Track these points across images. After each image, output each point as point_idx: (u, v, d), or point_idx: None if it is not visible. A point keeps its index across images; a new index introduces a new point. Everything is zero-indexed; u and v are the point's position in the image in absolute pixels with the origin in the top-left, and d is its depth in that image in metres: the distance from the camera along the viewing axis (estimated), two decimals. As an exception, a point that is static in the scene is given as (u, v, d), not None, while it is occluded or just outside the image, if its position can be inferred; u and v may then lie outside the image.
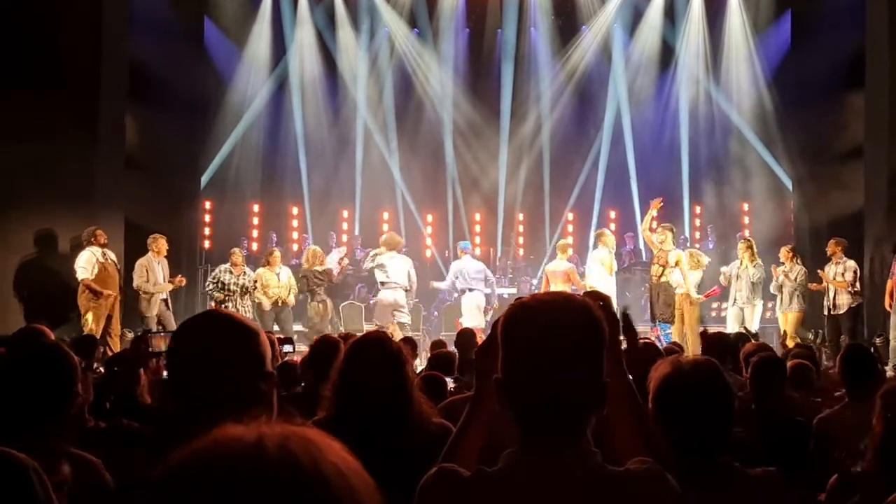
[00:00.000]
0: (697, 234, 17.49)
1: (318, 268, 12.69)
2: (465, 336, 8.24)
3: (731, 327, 12.12)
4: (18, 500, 2.20)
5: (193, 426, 1.85)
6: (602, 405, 1.71)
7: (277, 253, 13.07)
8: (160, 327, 11.56)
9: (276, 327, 12.31)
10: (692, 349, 11.71)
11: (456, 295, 13.31)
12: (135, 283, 11.58)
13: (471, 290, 12.86)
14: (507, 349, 1.71)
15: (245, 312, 12.11)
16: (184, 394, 1.95)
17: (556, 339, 1.65)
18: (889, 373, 9.05)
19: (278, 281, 12.54)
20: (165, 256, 11.93)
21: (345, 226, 17.81)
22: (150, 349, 4.94)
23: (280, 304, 12.57)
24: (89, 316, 10.88)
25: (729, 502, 2.24)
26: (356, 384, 2.90)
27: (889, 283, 11.11)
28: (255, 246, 16.80)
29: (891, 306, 11.00)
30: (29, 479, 2.23)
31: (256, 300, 12.50)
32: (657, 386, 2.33)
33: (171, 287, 11.99)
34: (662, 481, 1.70)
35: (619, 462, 1.79)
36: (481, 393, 1.93)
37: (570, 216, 18.19)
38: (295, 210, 17.33)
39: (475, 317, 12.62)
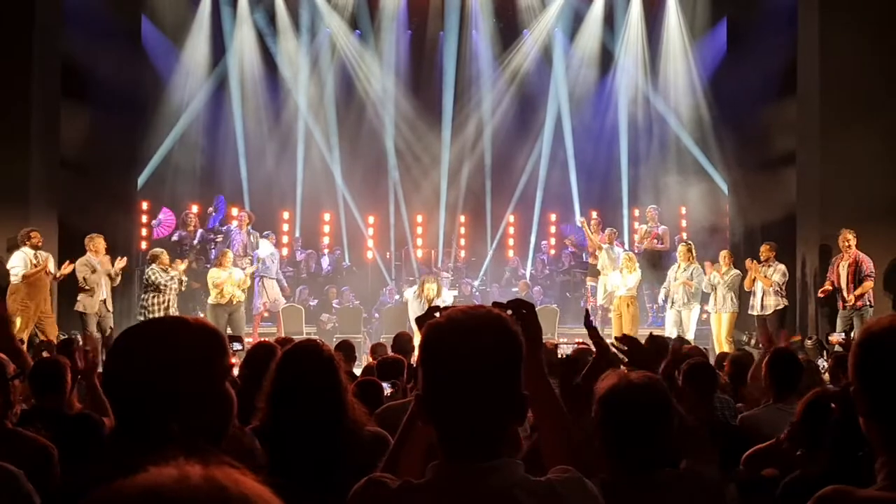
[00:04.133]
0: (636, 237, 17.70)
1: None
2: (402, 339, 8.26)
3: (670, 330, 12.35)
4: None
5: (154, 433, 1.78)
6: (521, 416, 1.76)
7: (230, 254, 13.15)
8: (100, 330, 11.48)
9: (228, 329, 12.30)
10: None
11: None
12: (80, 277, 11.47)
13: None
14: (425, 366, 1.75)
15: (173, 310, 12.13)
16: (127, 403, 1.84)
17: (470, 355, 1.69)
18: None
19: (232, 278, 12.67)
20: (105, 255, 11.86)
21: (285, 227, 17.68)
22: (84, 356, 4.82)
23: (235, 304, 12.69)
24: (17, 320, 10.70)
25: None
26: (288, 393, 2.88)
27: (826, 285, 11.43)
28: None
29: (843, 305, 11.24)
30: None
31: (213, 301, 12.62)
32: (601, 398, 2.37)
33: (116, 272, 11.95)
34: (583, 489, 1.75)
35: (545, 469, 1.83)
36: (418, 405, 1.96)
37: (512, 218, 18.31)
38: (234, 211, 17.14)
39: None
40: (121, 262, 12.10)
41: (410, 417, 2.02)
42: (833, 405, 2.82)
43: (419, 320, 2.01)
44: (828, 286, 11.40)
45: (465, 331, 1.71)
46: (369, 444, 2.87)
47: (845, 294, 11.14)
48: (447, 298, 12.87)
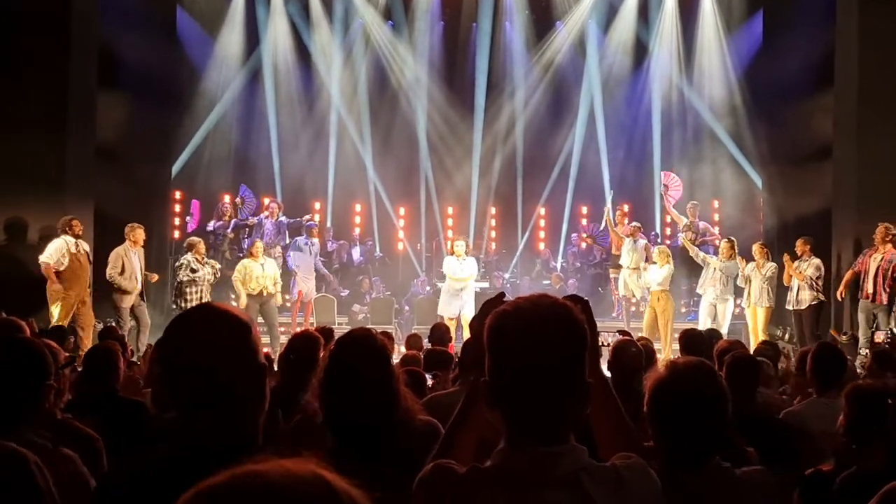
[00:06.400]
0: (668, 231, 17.62)
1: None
2: (439, 330, 8.27)
3: (703, 320, 12.31)
4: (22, 493, 2.19)
5: (192, 422, 1.84)
6: (586, 403, 1.78)
7: (260, 244, 13.06)
8: (133, 319, 11.48)
9: (259, 318, 12.29)
10: (666, 345, 11.84)
11: None
12: (107, 273, 11.40)
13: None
14: (493, 355, 1.76)
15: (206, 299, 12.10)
16: (180, 389, 1.90)
17: (540, 344, 1.71)
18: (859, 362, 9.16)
19: (262, 271, 12.54)
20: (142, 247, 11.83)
21: (317, 218, 17.73)
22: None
23: (265, 296, 12.56)
24: (57, 306, 10.72)
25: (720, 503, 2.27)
26: (341, 381, 2.89)
27: (847, 274, 11.36)
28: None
29: (842, 295, 11.28)
30: (31, 473, 2.22)
31: (239, 291, 12.49)
32: (651, 389, 2.35)
33: (150, 278, 11.94)
34: (646, 475, 1.80)
35: (601, 456, 1.86)
36: (474, 392, 1.97)
37: (543, 211, 18.28)
38: (267, 201, 17.22)
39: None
40: (153, 279, 12.09)
41: (466, 403, 2.03)
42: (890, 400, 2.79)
43: (484, 308, 2.01)
44: (849, 275, 11.30)
45: (535, 320, 1.73)
46: (422, 434, 2.87)
47: (868, 287, 11.00)
48: (472, 268, 13.35)
